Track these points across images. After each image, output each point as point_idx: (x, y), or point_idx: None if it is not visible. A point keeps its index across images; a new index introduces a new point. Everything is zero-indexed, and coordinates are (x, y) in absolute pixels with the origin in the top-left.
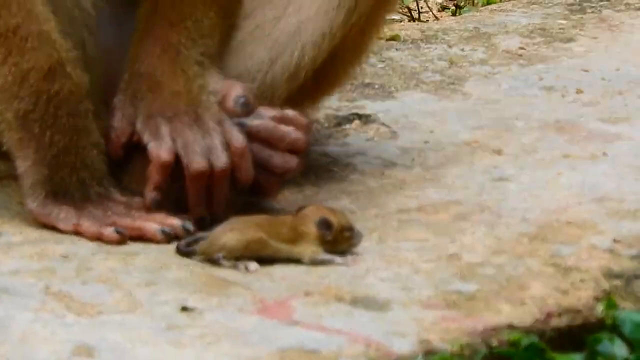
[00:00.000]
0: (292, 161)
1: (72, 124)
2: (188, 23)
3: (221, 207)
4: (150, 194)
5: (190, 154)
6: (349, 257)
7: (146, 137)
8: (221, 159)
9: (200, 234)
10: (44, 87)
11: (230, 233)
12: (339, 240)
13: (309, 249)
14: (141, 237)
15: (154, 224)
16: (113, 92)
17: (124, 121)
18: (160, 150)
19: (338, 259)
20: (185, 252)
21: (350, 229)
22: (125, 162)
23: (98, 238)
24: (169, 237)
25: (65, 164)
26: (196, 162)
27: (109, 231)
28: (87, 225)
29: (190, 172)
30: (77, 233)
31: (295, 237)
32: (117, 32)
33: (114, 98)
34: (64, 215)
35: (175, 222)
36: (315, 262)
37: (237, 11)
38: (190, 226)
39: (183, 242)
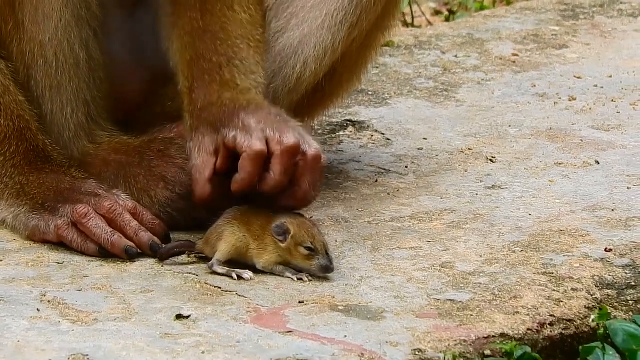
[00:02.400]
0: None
1: (31, 167)
2: (236, 62)
3: (317, 190)
4: (240, 182)
5: (282, 134)
6: (303, 275)
7: (238, 137)
8: (314, 146)
9: (177, 243)
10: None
11: (220, 242)
12: (293, 253)
13: (265, 255)
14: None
15: (122, 241)
16: (118, 97)
17: (203, 155)
18: (251, 140)
19: (289, 273)
20: (164, 258)
21: (311, 249)
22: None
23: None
24: (131, 256)
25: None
26: (289, 138)
27: (92, 250)
28: (69, 238)
29: (283, 147)
30: (60, 238)
31: (262, 237)
32: (124, 38)
33: (187, 143)
34: (44, 224)
35: (145, 237)
36: (267, 270)
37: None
38: (156, 247)
39: (164, 250)
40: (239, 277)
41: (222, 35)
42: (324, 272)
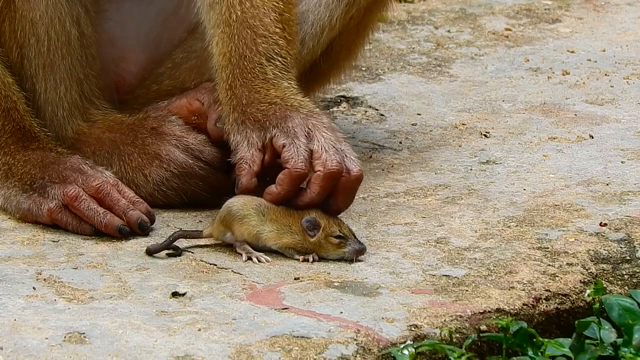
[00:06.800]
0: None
1: (17, 146)
2: (277, 61)
3: (347, 206)
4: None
5: (328, 155)
6: (310, 255)
7: (286, 147)
8: (356, 168)
9: (168, 240)
10: None
11: (237, 225)
12: (323, 245)
13: (283, 239)
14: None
15: (115, 220)
16: (115, 76)
17: (252, 149)
18: (297, 158)
19: (297, 255)
20: (153, 253)
21: (341, 237)
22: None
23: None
24: (125, 235)
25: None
26: (333, 163)
27: (88, 231)
28: (64, 221)
29: (326, 171)
30: (54, 221)
31: (277, 222)
32: (121, 17)
33: (230, 135)
34: (36, 208)
35: (134, 216)
36: (280, 251)
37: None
38: (145, 225)
39: (153, 245)
40: (259, 261)
41: (262, 30)
42: (359, 255)
